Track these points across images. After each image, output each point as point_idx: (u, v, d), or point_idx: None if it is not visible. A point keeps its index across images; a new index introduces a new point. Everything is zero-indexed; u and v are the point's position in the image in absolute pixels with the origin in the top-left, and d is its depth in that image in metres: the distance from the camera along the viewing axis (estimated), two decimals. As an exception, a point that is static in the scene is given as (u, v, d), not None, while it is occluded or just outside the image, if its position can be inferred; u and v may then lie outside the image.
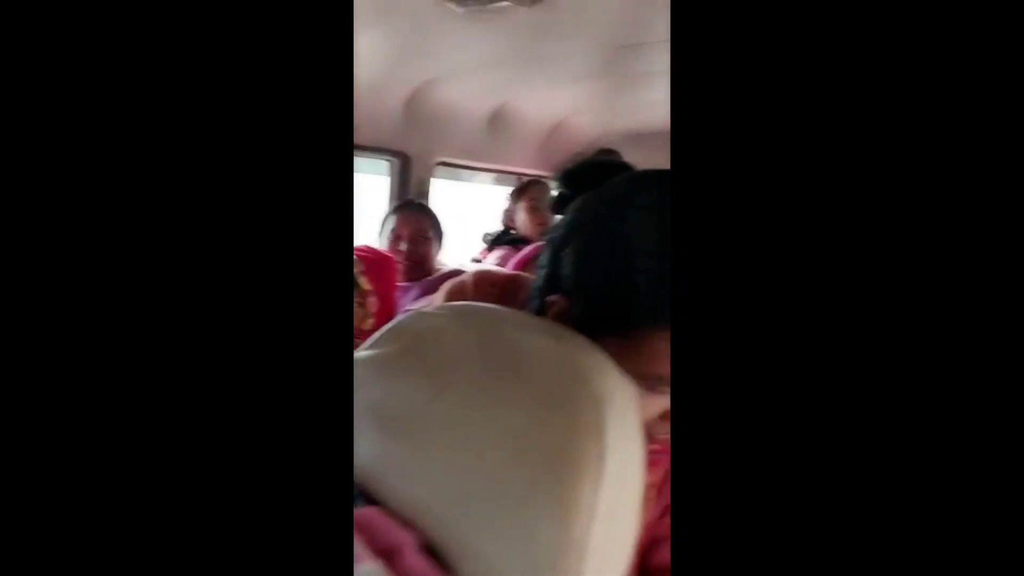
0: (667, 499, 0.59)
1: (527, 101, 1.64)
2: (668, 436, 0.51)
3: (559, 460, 0.36)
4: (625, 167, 0.56)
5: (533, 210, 1.82)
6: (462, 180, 2.29)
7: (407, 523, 0.39)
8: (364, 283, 1.20)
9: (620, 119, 1.99)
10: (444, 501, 0.39)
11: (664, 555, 0.58)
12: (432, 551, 0.39)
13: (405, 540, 0.38)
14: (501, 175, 2.11)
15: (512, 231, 1.99)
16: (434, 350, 0.43)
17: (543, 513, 0.36)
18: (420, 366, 0.43)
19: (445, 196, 1.92)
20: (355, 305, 1.16)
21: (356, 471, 0.36)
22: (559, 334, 0.43)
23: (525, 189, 1.88)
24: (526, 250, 1.47)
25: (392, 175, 1.67)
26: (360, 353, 0.42)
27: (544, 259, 0.53)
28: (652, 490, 0.58)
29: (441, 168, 1.75)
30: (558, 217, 0.55)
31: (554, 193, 0.59)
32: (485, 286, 0.66)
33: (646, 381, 0.46)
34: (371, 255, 1.23)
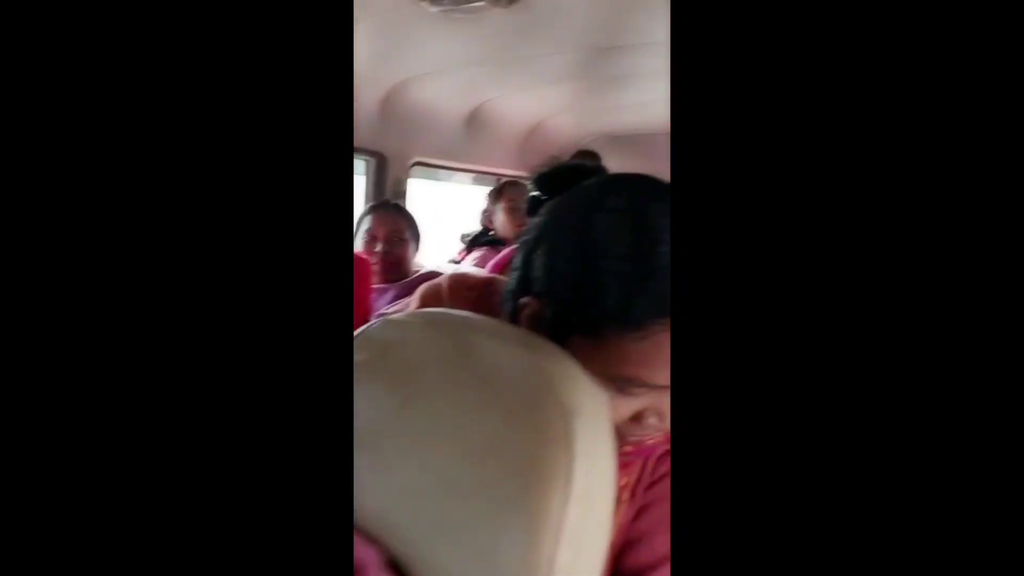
0: (640, 501, 0.59)
1: (505, 102, 1.64)
2: (639, 438, 0.51)
3: (526, 475, 0.35)
4: (598, 171, 0.56)
5: (512, 211, 1.81)
6: (440, 180, 2.28)
7: (372, 538, 0.38)
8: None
9: (599, 121, 1.99)
10: (409, 516, 0.38)
11: (638, 557, 0.58)
12: (397, 567, 0.38)
13: (370, 558, 0.37)
14: (480, 175, 2.10)
15: (491, 232, 1.98)
16: (401, 360, 0.42)
17: (510, 529, 0.35)
18: (386, 377, 0.42)
19: (423, 196, 1.90)
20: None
21: None
22: (529, 342, 0.42)
23: (504, 190, 1.87)
24: (504, 252, 1.46)
25: (368, 175, 1.65)
26: None
27: (517, 261, 0.53)
28: (626, 492, 0.58)
29: (419, 168, 1.73)
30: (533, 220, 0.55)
31: (531, 195, 0.59)
32: (461, 290, 0.65)
33: (615, 383, 0.46)
34: (346, 256, 1.21)
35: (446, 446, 0.38)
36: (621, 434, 0.49)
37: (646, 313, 0.43)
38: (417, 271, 1.48)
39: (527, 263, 0.51)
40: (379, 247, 1.42)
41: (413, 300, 0.68)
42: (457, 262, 1.95)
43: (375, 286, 1.37)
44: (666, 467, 0.58)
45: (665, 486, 0.58)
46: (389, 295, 1.39)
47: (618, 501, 0.55)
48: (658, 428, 0.50)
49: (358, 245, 1.45)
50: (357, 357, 0.43)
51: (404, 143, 1.57)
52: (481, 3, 0.93)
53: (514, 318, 0.52)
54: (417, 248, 1.51)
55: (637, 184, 0.50)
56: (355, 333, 0.43)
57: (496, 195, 1.90)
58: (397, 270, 1.44)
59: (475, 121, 1.69)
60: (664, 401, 0.48)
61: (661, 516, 0.58)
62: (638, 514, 0.58)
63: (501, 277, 0.63)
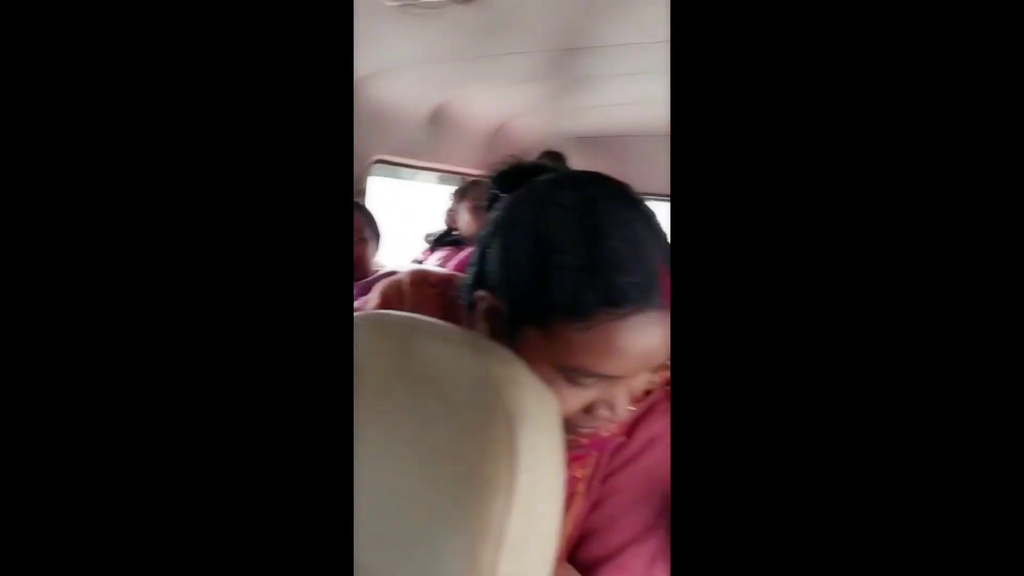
0: (596, 494, 0.59)
1: (468, 100, 1.62)
2: (592, 430, 0.52)
3: (468, 483, 0.34)
4: (557, 170, 0.57)
5: (476, 211, 1.80)
6: (405, 179, 2.25)
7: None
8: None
9: (565, 122, 2.00)
10: (353, 525, 0.36)
11: (592, 550, 0.58)
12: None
13: None
14: (446, 175, 2.08)
15: (455, 232, 1.96)
16: (340, 364, 0.41)
17: (450, 541, 0.34)
18: (324, 381, 0.40)
19: (386, 195, 1.87)
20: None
21: None
22: (477, 345, 0.41)
23: (468, 190, 1.85)
24: (466, 252, 1.45)
25: (328, 172, 1.61)
26: None
27: (474, 256, 0.54)
28: (582, 485, 0.58)
29: (382, 166, 1.70)
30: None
31: (490, 192, 0.60)
32: (424, 286, 0.65)
33: (565, 373, 0.47)
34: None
35: (387, 452, 0.37)
36: (573, 426, 0.50)
37: (592, 303, 0.44)
38: (377, 271, 1.45)
39: (482, 258, 0.53)
40: (338, 246, 1.39)
41: (372, 297, 0.67)
42: (420, 262, 1.93)
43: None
44: (621, 460, 0.59)
45: (619, 479, 0.59)
46: (348, 295, 1.36)
47: (574, 495, 0.57)
48: (610, 420, 0.51)
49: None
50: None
51: (364, 140, 1.55)
52: (441, -1, 0.91)
53: (470, 311, 0.53)
54: (377, 247, 1.49)
55: (588, 181, 0.51)
56: None
57: (460, 195, 1.88)
58: (357, 270, 1.41)
59: (438, 119, 1.67)
60: (615, 392, 0.49)
61: (615, 509, 0.58)
62: (593, 507, 0.59)
63: (462, 275, 0.63)
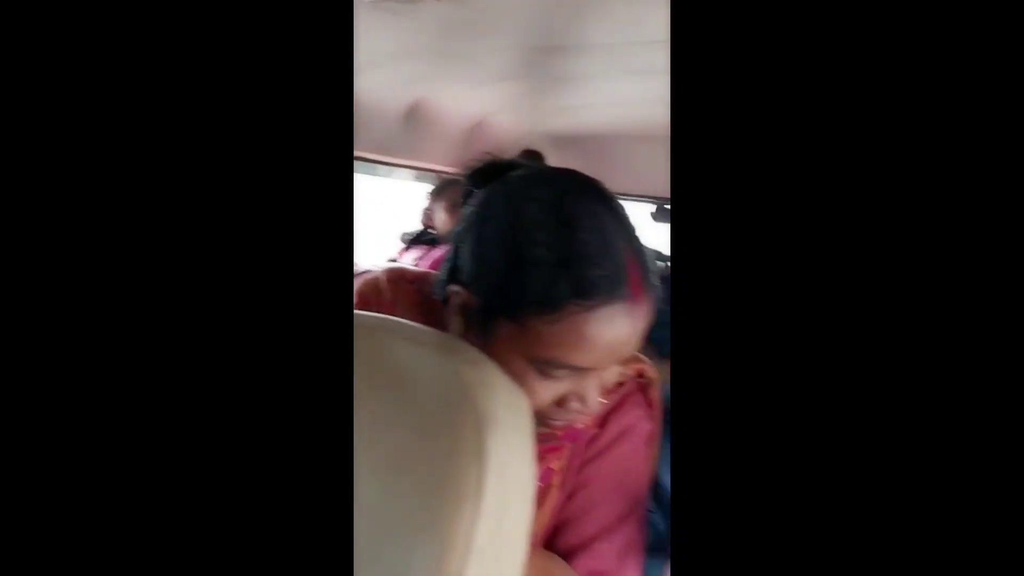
0: (571, 485, 0.60)
1: (445, 98, 1.61)
2: (565, 422, 0.53)
3: (436, 491, 0.33)
4: (528, 167, 0.58)
5: (452, 210, 1.79)
6: (381, 176, 2.22)
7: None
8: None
9: (543, 122, 1.99)
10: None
11: (567, 539, 0.59)
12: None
13: None
14: (423, 173, 2.06)
15: (431, 231, 1.95)
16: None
17: (417, 548, 0.33)
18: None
19: (361, 192, 1.85)
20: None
21: None
22: (448, 347, 0.40)
23: (444, 188, 1.84)
24: (441, 250, 1.44)
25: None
26: None
27: (449, 252, 0.55)
28: (557, 476, 0.59)
29: (357, 163, 1.68)
30: None
31: (465, 189, 0.60)
32: (402, 283, 0.65)
33: (537, 366, 0.48)
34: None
35: (359, 458, 0.36)
36: (546, 419, 0.51)
37: (563, 296, 0.45)
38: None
39: (456, 252, 0.53)
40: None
41: None
42: (395, 260, 1.91)
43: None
44: (594, 451, 0.60)
45: (593, 470, 0.60)
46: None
47: (550, 486, 0.58)
48: (581, 412, 0.52)
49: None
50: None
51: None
52: (415, -7, 0.90)
53: (444, 306, 0.54)
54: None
55: (560, 177, 0.52)
56: None
57: (437, 193, 1.87)
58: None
59: (414, 116, 1.65)
60: (586, 385, 0.50)
61: (589, 499, 0.59)
62: (568, 498, 0.60)
63: (438, 272, 0.63)
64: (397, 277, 0.65)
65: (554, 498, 0.59)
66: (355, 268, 1.46)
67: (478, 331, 0.51)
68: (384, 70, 1.36)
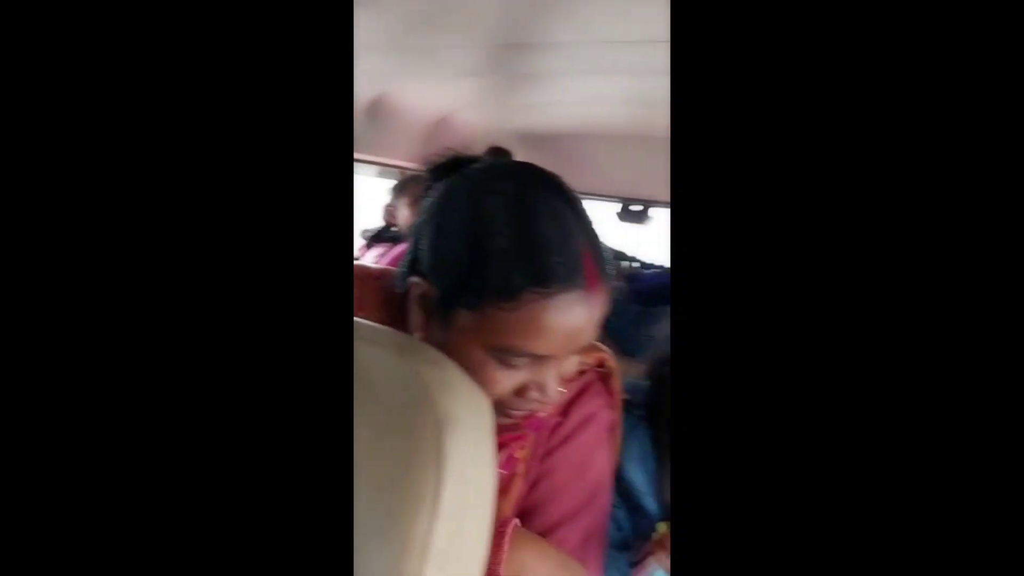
0: (535, 473, 0.61)
1: (408, 93, 1.58)
2: (525, 411, 0.54)
3: (394, 491, 0.32)
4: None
5: (415, 206, 1.76)
6: (343, 172, 2.18)
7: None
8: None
9: (509, 119, 1.99)
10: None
11: (532, 527, 0.59)
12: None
13: None
14: (385, 169, 2.03)
15: (393, 228, 1.92)
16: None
17: (374, 549, 0.32)
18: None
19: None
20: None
21: None
22: (408, 348, 0.39)
23: (407, 185, 1.82)
24: (402, 247, 1.41)
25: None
26: None
27: (409, 245, 0.56)
28: (522, 465, 0.60)
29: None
30: None
31: (426, 184, 0.60)
32: (368, 280, 0.64)
33: (496, 354, 0.49)
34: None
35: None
36: (506, 408, 0.52)
37: (520, 284, 0.46)
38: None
39: (416, 245, 0.54)
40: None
41: None
42: (357, 258, 1.87)
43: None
44: (557, 439, 0.62)
45: (556, 458, 0.61)
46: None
47: (514, 475, 0.59)
48: (541, 401, 0.52)
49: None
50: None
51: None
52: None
53: (404, 298, 0.55)
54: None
55: (520, 170, 0.54)
56: None
57: (399, 190, 1.84)
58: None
59: (376, 112, 1.62)
60: (545, 374, 0.51)
61: (552, 487, 0.61)
62: (531, 486, 0.60)
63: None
64: (362, 275, 0.65)
65: (518, 487, 0.60)
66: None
67: (438, 322, 0.51)
68: (345, 63, 1.33)
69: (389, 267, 0.66)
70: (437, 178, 0.57)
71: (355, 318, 0.43)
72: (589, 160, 2.00)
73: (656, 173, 1.86)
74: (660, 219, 2.01)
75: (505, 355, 0.49)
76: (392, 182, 1.98)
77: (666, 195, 1.94)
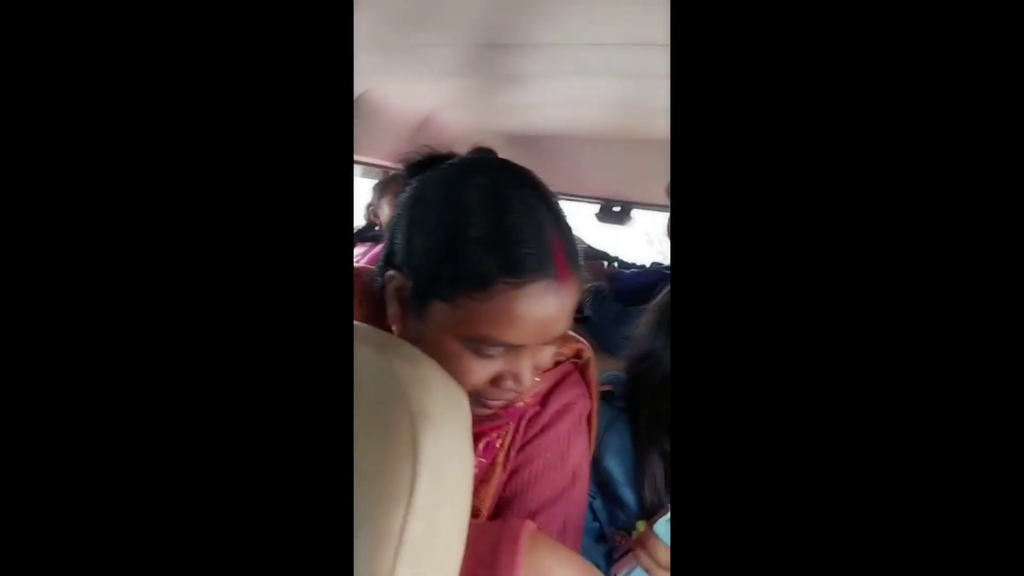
0: (512, 464, 0.62)
1: (391, 92, 1.58)
2: (501, 401, 0.55)
3: (369, 490, 0.32)
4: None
5: (397, 204, 1.75)
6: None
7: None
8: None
9: (494, 120, 1.99)
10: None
11: (510, 515, 0.61)
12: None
13: None
14: (369, 168, 2.02)
15: (377, 227, 1.91)
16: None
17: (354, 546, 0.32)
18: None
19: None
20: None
21: None
22: (384, 344, 0.39)
23: (389, 184, 1.81)
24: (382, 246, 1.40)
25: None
26: None
27: (386, 240, 0.57)
28: (501, 454, 0.61)
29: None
30: None
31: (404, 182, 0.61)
32: (355, 280, 0.64)
33: (471, 345, 0.50)
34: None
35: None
36: (483, 398, 0.53)
37: (492, 274, 0.47)
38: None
39: (392, 239, 0.55)
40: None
41: None
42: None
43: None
44: (536, 428, 0.63)
45: (534, 446, 0.63)
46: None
47: (494, 464, 0.61)
48: (515, 391, 0.53)
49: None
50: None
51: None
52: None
53: (381, 292, 0.56)
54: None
55: (493, 164, 0.56)
56: None
57: (381, 189, 1.83)
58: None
59: (359, 111, 1.62)
60: (519, 363, 0.52)
61: (530, 475, 0.62)
62: (512, 474, 0.62)
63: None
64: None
65: (498, 475, 0.61)
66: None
67: (414, 313, 0.52)
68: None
69: (368, 265, 0.66)
70: (413, 175, 0.58)
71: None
72: (571, 161, 2.01)
73: (637, 175, 1.87)
74: (640, 220, 2.03)
75: (479, 345, 0.49)
76: (375, 180, 1.97)
77: (646, 196, 1.96)
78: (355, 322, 0.43)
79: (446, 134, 1.94)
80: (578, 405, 0.66)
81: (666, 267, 1.44)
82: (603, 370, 0.81)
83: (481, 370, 0.51)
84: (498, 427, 0.61)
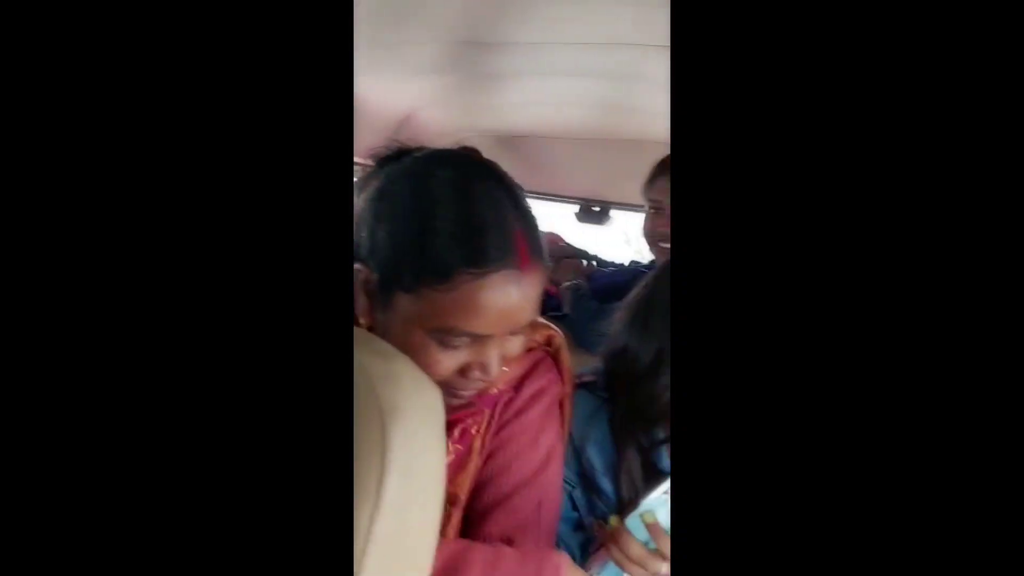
0: (489, 447, 0.63)
1: (370, 89, 1.57)
2: (471, 392, 0.56)
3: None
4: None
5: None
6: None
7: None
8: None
9: (473, 119, 1.98)
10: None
11: (486, 497, 0.62)
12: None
13: None
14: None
15: (355, 225, 1.89)
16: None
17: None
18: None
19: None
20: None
21: None
22: (355, 340, 0.39)
23: (368, 182, 1.79)
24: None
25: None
26: None
27: (355, 234, 0.57)
28: (478, 440, 0.63)
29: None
30: None
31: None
32: None
33: (436, 336, 0.50)
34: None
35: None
36: (453, 389, 0.54)
37: (453, 264, 0.48)
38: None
39: (358, 232, 0.55)
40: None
41: None
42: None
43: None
44: (511, 413, 0.65)
45: (509, 431, 0.64)
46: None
47: (471, 451, 0.62)
48: (484, 380, 0.54)
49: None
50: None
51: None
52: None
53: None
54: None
55: (458, 157, 0.57)
56: None
57: (359, 187, 1.81)
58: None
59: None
60: (486, 353, 0.52)
61: (505, 458, 0.64)
62: (486, 460, 0.63)
63: None
64: None
65: (474, 461, 0.62)
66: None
67: (380, 306, 0.53)
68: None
69: None
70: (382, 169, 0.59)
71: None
72: (551, 161, 2.02)
73: (616, 175, 1.88)
74: (619, 220, 2.04)
75: (444, 336, 0.50)
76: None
77: (625, 197, 1.97)
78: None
79: (425, 132, 1.93)
80: (551, 390, 0.68)
81: (644, 265, 1.45)
82: (582, 367, 0.82)
83: (448, 361, 0.51)
84: (473, 414, 0.62)
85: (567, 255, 1.63)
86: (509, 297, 0.50)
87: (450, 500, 0.62)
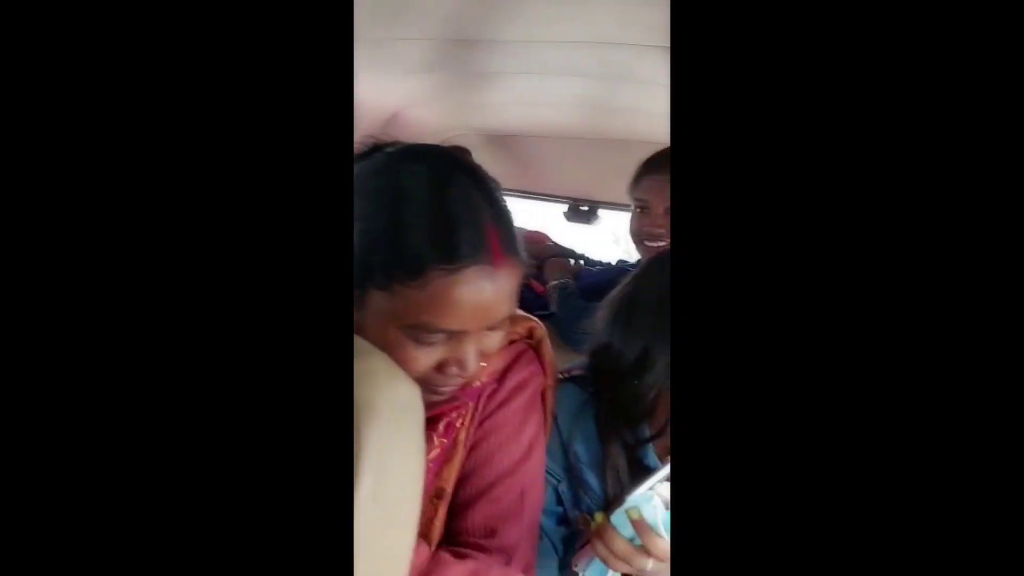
0: (472, 439, 0.64)
1: (357, 86, 1.56)
2: (450, 388, 0.56)
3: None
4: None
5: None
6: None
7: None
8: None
9: (462, 118, 1.97)
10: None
11: (469, 488, 0.63)
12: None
13: None
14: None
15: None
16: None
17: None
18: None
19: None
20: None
21: None
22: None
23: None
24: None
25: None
26: None
27: None
28: (463, 433, 0.63)
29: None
30: None
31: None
32: None
33: (411, 333, 0.50)
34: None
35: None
36: (431, 386, 0.54)
37: (425, 260, 0.48)
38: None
39: None
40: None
41: None
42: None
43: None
44: (493, 405, 0.65)
45: (492, 422, 0.65)
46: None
47: (456, 444, 0.62)
48: (461, 376, 0.54)
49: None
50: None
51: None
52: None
53: None
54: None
55: (430, 152, 0.56)
56: None
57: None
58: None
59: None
60: (462, 349, 0.53)
61: (488, 449, 0.64)
62: (469, 451, 0.64)
63: None
64: None
65: (459, 454, 0.62)
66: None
67: (356, 304, 0.52)
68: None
69: None
70: None
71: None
72: (540, 161, 2.02)
73: (604, 175, 1.89)
74: (607, 219, 2.05)
75: (419, 332, 0.50)
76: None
77: (613, 196, 1.97)
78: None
79: (414, 131, 1.92)
80: (533, 382, 0.68)
81: (631, 265, 1.45)
82: (566, 362, 0.82)
83: (424, 357, 0.52)
84: (457, 407, 0.62)
85: (555, 254, 1.62)
86: (482, 292, 0.50)
87: (437, 494, 0.62)
